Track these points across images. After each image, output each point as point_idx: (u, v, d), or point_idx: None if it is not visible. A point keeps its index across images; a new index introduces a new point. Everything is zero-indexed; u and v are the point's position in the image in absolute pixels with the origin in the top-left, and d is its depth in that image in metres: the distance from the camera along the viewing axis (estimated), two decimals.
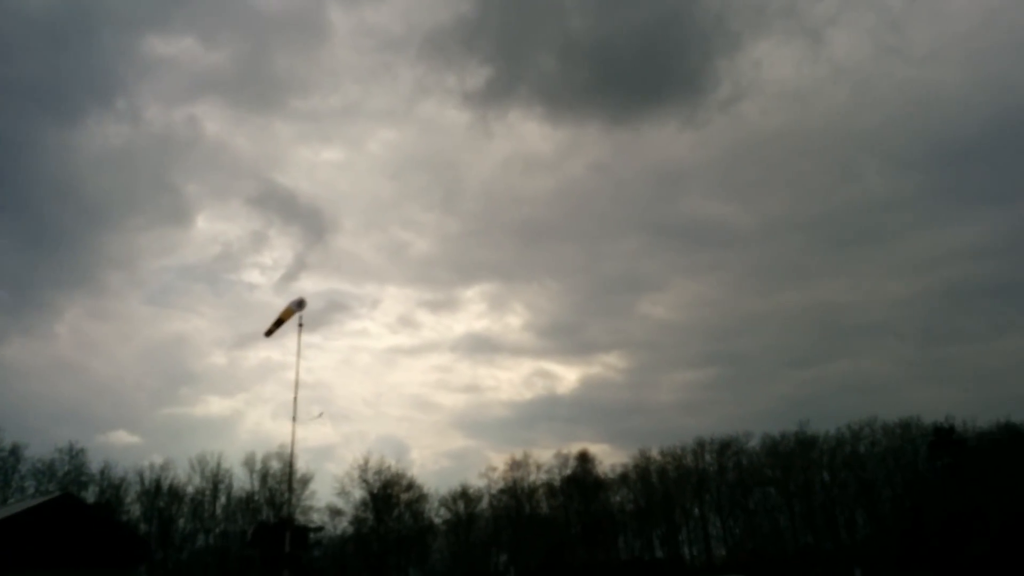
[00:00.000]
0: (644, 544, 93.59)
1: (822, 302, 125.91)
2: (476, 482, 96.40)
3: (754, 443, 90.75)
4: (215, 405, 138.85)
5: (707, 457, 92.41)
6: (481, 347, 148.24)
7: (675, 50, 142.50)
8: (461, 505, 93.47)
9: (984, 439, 79.59)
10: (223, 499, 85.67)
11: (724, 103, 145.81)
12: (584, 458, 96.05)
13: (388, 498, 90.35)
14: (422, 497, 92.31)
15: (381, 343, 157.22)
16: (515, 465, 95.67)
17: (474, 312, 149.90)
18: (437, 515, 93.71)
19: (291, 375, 39.10)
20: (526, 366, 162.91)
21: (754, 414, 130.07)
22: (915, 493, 79.57)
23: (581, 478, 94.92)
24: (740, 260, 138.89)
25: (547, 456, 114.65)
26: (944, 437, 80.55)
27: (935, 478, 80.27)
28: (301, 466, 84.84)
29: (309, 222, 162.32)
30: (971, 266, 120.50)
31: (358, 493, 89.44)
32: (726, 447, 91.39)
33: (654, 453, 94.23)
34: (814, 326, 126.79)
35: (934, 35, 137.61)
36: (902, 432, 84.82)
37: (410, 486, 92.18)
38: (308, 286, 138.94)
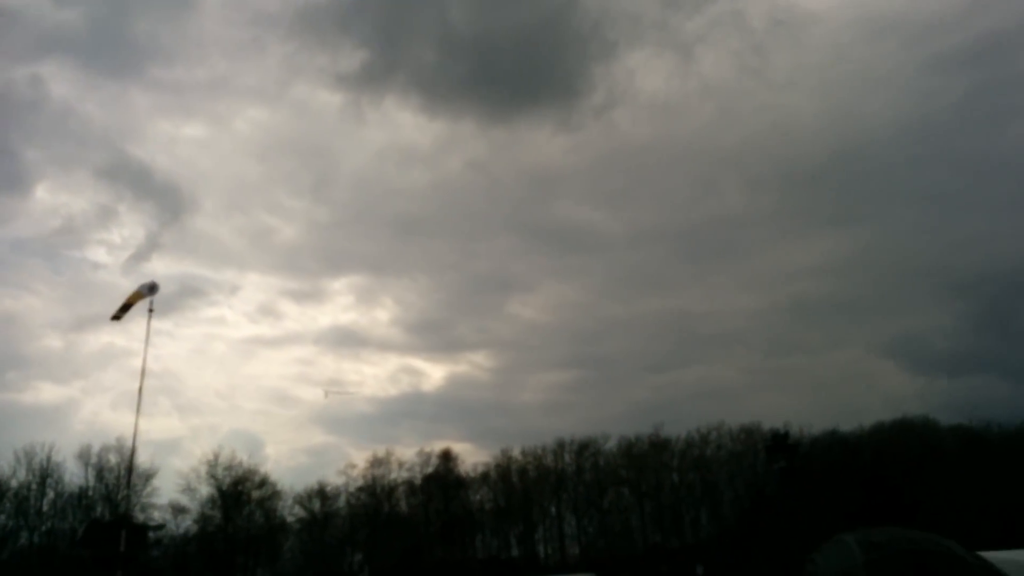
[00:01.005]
0: (501, 543, 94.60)
1: (680, 311, 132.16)
2: (335, 479, 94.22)
3: (611, 444, 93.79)
4: (47, 392, 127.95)
5: (566, 457, 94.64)
6: (347, 341, 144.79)
7: (553, 52, 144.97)
8: (317, 503, 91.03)
9: (816, 445, 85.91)
10: (51, 494, 79.30)
11: (598, 109, 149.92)
12: (447, 457, 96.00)
13: (238, 495, 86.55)
14: (275, 494, 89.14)
15: (239, 332, 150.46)
16: (376, 462, 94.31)
17: (341, 304, 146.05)
18: (291, 513, 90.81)
19: (137, 363, 36.58)
20: (392, 362, 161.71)
21: (613, 416, 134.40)
22: (753, 494, 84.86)
23: (443, 476, 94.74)
24: (606, 266, 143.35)
25: (410, 454, 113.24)
26: (779, 442, 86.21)
27: (771, 480, 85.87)
28: (143, 460, 79.41)
29: (165, 200, 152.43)
30: (814, 283, 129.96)
31: (205, 490, 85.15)
32: (585, 448, 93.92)
33: (515, 453, 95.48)
34: (671, 333, 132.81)
35: (792, 63, 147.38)
36: (745, 436, 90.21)
37: (263, 483, 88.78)
38: (160, 268, 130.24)
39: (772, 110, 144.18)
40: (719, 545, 75.63)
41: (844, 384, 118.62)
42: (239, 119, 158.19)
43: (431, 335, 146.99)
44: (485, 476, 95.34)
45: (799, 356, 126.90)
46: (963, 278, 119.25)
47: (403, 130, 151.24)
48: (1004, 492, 75.40)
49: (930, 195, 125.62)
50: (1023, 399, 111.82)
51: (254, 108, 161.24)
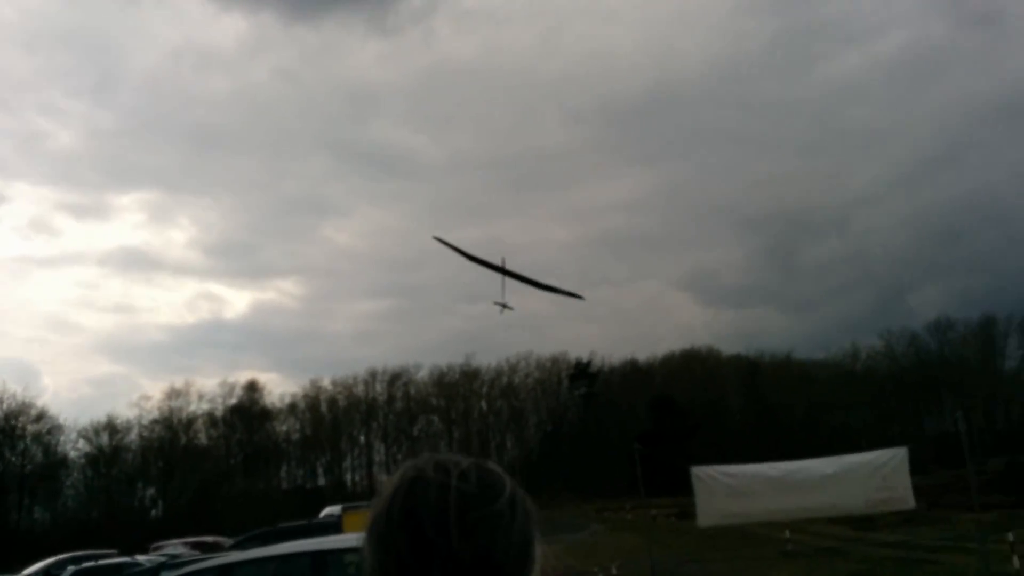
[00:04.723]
0: (308, 473, 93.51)
1: (497, 241, 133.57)
2: (126, 412, 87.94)
3: (423, 374, 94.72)
4: None
5: (378, 387, 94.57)
6: (137, 263, 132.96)
7: None
8: (105, 437, 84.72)
9: (614, 372, 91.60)
10: None
11: (417, 13, 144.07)
12: (252, 387, 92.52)
13: (12, 430, 78.55)
14: (55, 428, 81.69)
15: (7, 251, 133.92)
16: (173, 394, 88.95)
17: (130, 223, 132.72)
18: (75, 448, 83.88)
19: None
20: (190, 287, 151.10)
21: (426, 346, 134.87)
22: (556, 418, 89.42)
23: (247, 408, 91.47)
24: (425, 193, 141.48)
25: (211, 385, 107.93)
26: (582, 370, 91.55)
27: (573, 406, 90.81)
28: None
29: None
30: (623, 217, 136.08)
31: None
32: (397, 377, 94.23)
33: (325, 383, 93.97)
34: None
35: None
36: (552, 365, 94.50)
37: (40, 417, 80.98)
38: None
39: (594, 40, 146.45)
40: (522, 467, 79.21)
41: (645, 315, 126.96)
42: (2, 2, 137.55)
43: (234, 259, 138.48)
44: (293, 407, 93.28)
45: (606, 288, 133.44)
46: (755, 216, 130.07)
47: (197, 26, 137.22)
48: (770, 413, 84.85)
49: (734, 136, 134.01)
50: (795, 330, 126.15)
51: None
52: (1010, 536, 14.77)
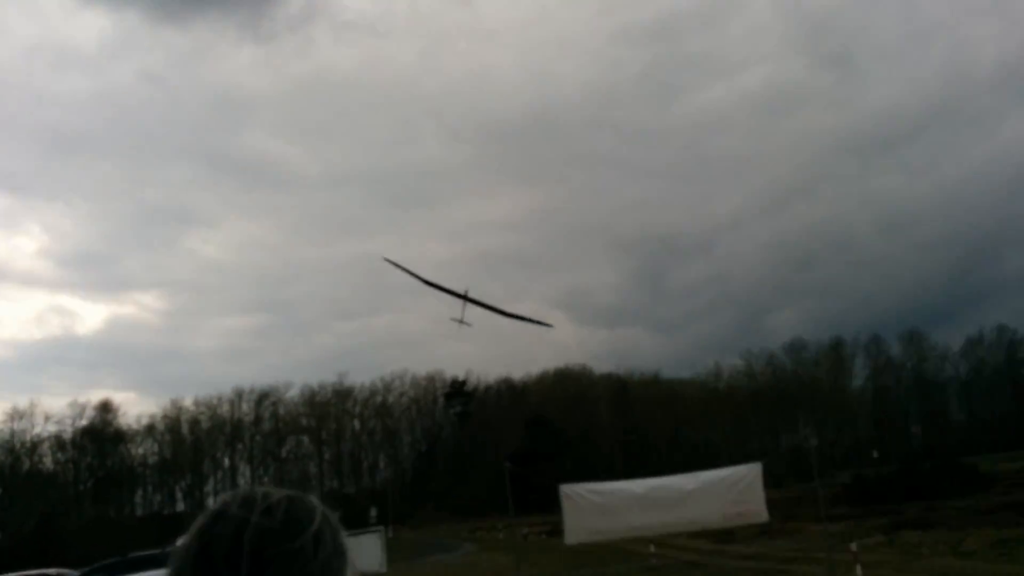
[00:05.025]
0: (166, 498, 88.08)
1: (374, 256, 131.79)
2: None
3: (293, 393, 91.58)
4: None
5: (244, 407, 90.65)
6: None
7: None
8: None
9: (490, 391, 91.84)
10: None
11: (294, 21, 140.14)
12: (106, 408, 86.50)
13: None
14: None
15: None
16: (16, 415, 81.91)
17: None
18: None
19: None
20: (39, 300, 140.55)
21: (298, 363, 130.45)
22: (431, 437, 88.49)
23: (99, 430, 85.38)
24: (299, 205, 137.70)
25: (60, 405, 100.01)
26: (457, 388, 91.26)
27: (448, 424, 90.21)
28: None
29: None
30: (499, 237, 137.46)
31: None
32: (265, 397, 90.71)
33: (187, 402, 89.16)
34: (364, 280, 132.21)
35: (496, 14, 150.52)
36: (427, 384, 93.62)
37: None
38: None
39: (474, 59, 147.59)
40: (396, 487, 77.79)
41: (520, 334, 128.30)
42: None
43: (90, 270, 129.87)
44: (151, 428, 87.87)
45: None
46: (627, 238, 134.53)
47: (55, 22, 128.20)
48: (639, 430, 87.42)
49: (608, 160, 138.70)
50: (664, 349, 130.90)
51: None
52: (853, 546, 15.61)
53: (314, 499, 1.06)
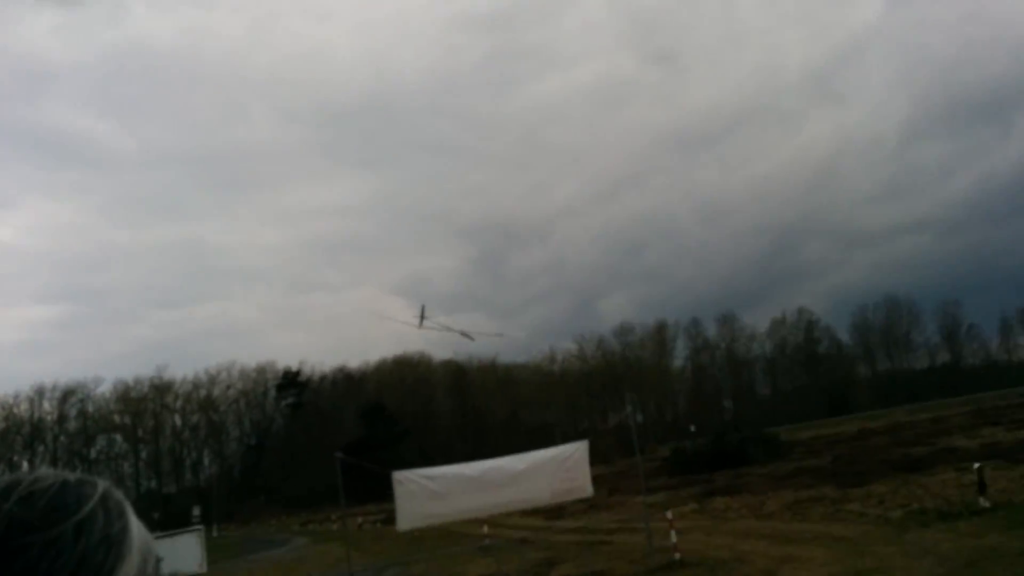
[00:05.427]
0: None
1: (198, 241, 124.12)
2: None
3: (104, 388, 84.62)
4: None
5: (46, 405, 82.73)
6: None
7: None
8: None
9: (325, 380, 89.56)
10: None
11: None
12: None
13: None
14: None
15: None
16: None
17: None
18: None
19: None
20: None
21: (110, 357, 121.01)
22: (260, 431, 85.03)
23: None
24: (112, 186, 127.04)
25: None
26: (291, 379, 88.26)
27: (279, 417, 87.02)
28: None
29: None
30: (337, 222, 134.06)
31: None
32: (71, 394, 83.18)
33: None
34: (185, 265, 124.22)
35: None
36: (257, 375, 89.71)
37: None
38: None
39: (308, 39, 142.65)
40: (221, 484, 74.12)
41: (358, 321, 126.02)
42: None
43: None
44: None
45: (319, 294, 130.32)
46: (467, 225, 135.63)
47: None
48: (477, 415, 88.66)
49: (445, 146, 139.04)
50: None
51: None
52: (669, 514, 16.60)
53: (101, 485, 0.98)
